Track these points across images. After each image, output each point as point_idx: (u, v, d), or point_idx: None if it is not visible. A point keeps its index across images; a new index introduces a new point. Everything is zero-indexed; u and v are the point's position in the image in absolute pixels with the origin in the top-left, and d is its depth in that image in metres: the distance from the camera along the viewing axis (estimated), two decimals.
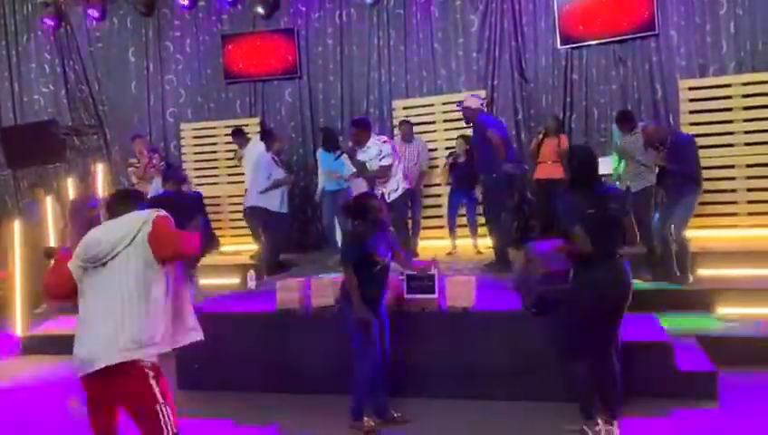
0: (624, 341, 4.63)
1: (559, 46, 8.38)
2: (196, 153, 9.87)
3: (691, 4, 7.95)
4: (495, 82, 8.71)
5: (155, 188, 8.03)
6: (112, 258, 2.95)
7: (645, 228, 6.49)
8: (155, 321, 2.99)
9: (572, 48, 8.37)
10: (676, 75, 7.97)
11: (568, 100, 8.43)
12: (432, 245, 8.20)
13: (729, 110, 7.63)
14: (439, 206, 8.70)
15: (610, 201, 3.89)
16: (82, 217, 7.28)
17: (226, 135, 9.46)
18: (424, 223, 8.37)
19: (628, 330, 4.75)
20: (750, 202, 7.59)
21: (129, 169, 8.86)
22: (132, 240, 2.95)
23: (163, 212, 3.07)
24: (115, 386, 2.95)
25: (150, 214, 3.03)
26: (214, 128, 9.77)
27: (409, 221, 7.50)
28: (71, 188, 8.89)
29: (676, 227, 6.05)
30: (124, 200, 3.23)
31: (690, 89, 7.74)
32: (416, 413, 4.54)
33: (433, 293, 4.92)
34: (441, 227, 8.64)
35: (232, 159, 9.20)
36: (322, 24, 9.39)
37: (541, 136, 7.70)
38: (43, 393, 5.69)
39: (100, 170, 9.26)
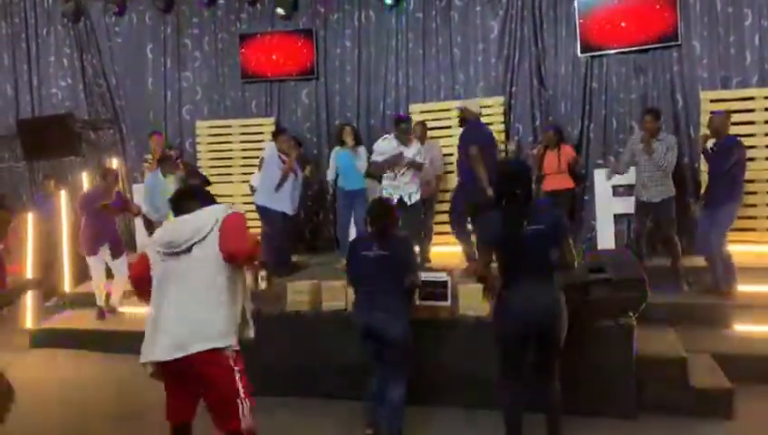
0: (638, 355, 4.57)
1: (579, 54, 8.28)
2: (211, 151, 9.87)
3: (715, 14, 7.82)
4: (514, 89, 8.63)
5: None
6: (191, 248, 3.04)
7: (668, 240, 6.42)
8: (233, 311, 3.10)
9: (593, 56, 8.27)
10: (697, 87, 7.84)
11: (587, 108, 8.32)
12: (444, 251, 8.09)
13: (752, 123, 7.50)
14: None
15: (532, 219, 3.60)
16: (93, 210, 7.22)
17: (242, 133, 9.50)
18: (437, 229, 8.29)
19: (642, 344, 4.69)
20: None
21: (144, 164, 8.88)
22: (209, 232, 3.04)
23: (239, 210, 3.20)
24: (200, 374, 2.97)
25: (226, 209, 3.15)
26: (229, 126, 9.76)
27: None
28: (85, 181, 8.91)
29: (717, 236, 5.98)
30: (191, 196, 3.35)
31: (712, 101, 7.58)
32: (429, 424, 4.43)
33: (446, 300, 4.87)
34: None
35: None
36: (341, 25, 9.37)
37: (542, 148, 7.75)
38: (51, 387, 5.69)
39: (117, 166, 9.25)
